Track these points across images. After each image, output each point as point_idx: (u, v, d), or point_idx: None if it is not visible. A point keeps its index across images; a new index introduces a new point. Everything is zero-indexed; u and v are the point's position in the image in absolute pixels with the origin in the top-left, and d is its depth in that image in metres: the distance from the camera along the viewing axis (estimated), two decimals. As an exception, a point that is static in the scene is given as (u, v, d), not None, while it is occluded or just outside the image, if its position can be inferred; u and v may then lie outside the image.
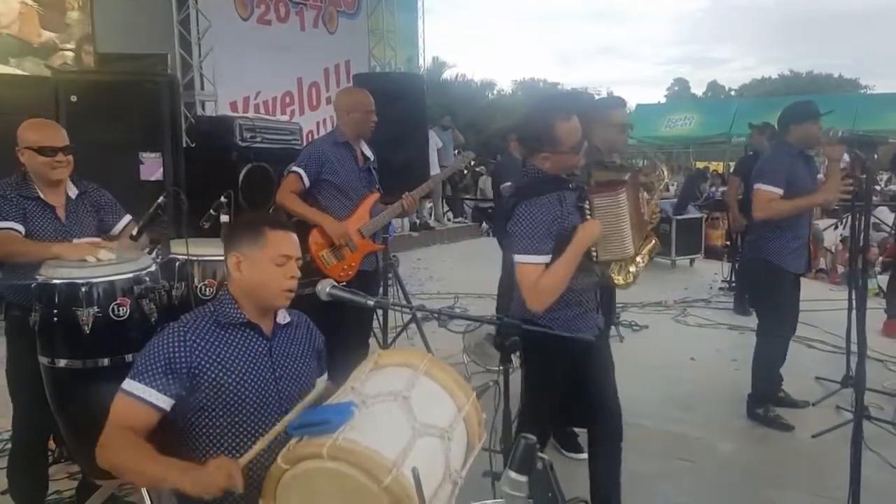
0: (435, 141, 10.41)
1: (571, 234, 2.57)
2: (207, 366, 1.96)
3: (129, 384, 1.93)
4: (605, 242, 2.68)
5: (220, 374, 1.97)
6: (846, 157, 4.36)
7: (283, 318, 2.18)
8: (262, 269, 2.05)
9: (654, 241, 3.11)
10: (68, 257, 2.73)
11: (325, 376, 2.33)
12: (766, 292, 4.42)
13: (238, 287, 2.09)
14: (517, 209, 2.61)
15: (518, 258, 2.58)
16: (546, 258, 2.54)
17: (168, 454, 1.91)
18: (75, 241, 2.91)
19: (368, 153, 4.07)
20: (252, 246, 2.06)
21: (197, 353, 1.96)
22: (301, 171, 3.84)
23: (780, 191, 4.11)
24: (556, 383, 2.79)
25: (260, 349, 2.07)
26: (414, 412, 1.69)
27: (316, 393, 1.93)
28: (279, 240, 2.08)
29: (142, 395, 1.90)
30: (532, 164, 2.71)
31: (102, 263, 2.72)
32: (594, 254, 2.67)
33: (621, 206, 2.70)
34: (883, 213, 9.59)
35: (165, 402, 1.93)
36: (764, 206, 4.14)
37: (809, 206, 4.24)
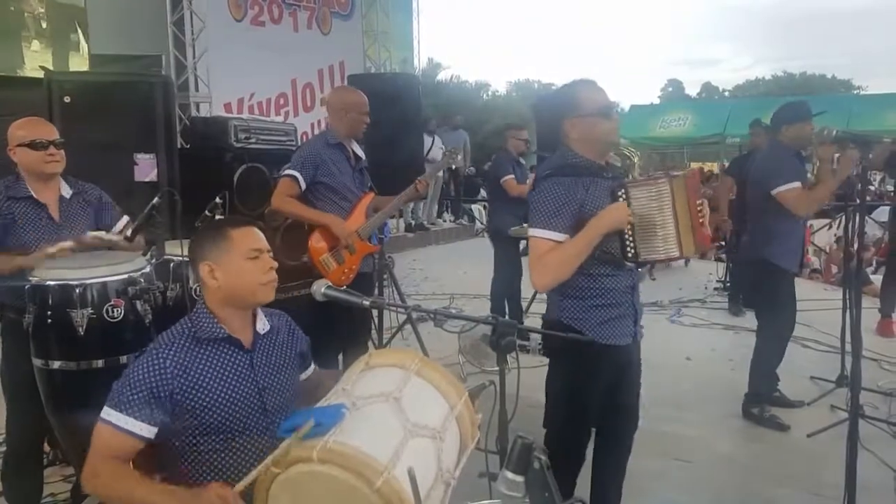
0: (438, 144, 10.51)
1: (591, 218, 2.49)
2: (189, 389, 1.91)
3: (109, 414, 1.85)
4: (645, 240, 2.54)
5: (203, 396, 1.92)
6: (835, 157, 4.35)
7: (263, 326, 2.11)
8: (237, 269, 1.99)
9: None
10: (33, 266, 2.70)
11: (312, 367, 2.30)
12: (766, 292, 4.43)
13: (216, 297, 2.02)
14: (540, 184, 2.58)
15: (530, 231, 2.55)
16: (558, 235, 2.48)
17: (158, 475, 1.90)
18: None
19: (360, 153, 4.01)
20: (219, 249, 2.00)
21: (178, 377, 1.90)
22: (297, 174, 3.74)
23: (799, 184, 4.11)
24: (592, 397, 2.66)
25: (241, 363, 2.02)
26: (405, 413, 1.67)
27: (305, 430, 1.89)
28: (244, 236, 2.03)
29: (124, 426, 1.84)
30: (567, 147, 2.63)
31: (96, 265, 2.71)
32: (630, 251, 2.54)
33: (663, 199, 2.52)
34: (876, 213, 9.63)
35: (149, 432, 1.87)
36: (800, 202, 4.09)
37: (832, 191, 4.19)
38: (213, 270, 1.99)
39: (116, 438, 1.85)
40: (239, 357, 2.02)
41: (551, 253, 2.48)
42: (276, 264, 2.07)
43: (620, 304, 2.64)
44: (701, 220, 2.58)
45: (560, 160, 2.64)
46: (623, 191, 2.53)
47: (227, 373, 1.98)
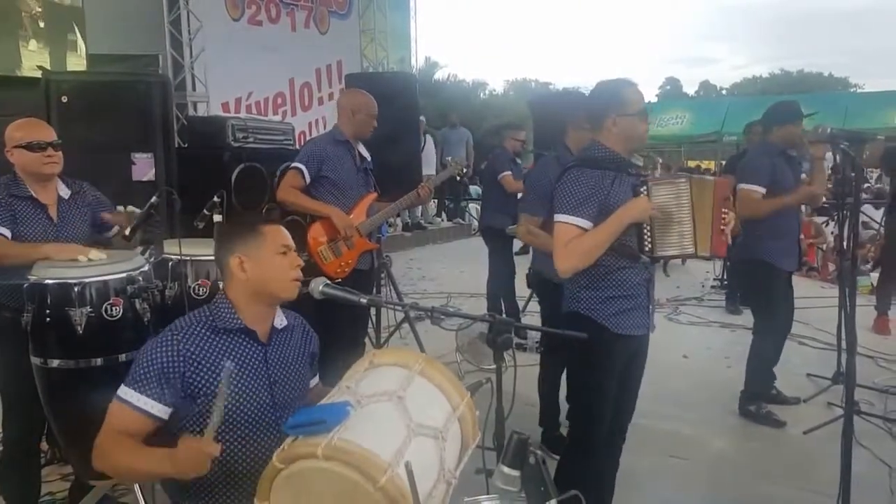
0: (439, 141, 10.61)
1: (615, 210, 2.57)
2: (201, 374, 1.95)
3: (124, 391, 1.91)
4: (662, 235, 2.63)
5: (215, 383, 1.95)
6: (829, 155, 4.37)
7: (281, 321, 2.16)
8: (268, 264, 2.05)
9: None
10: (58, 257, 2.72)
11: (317, 379, 2.34)
12: (761, 291, 4.45)
13: (242, 289, 2.06)
14: (567, 173, 2.64)
15: (557, 217, 2.61)
16: (584, 222, 2.55)
17: None
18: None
19: (365, 154, 4.10)
20: (251, 244, 2.06)
21: (190, 361, 1.94)
22: (302, 167, 3.85)
23: (762, 189, 4.16)
24: (608, 388, 2.72)
25: (255, 355, 2.06)
26: (409, 412, 1.68)
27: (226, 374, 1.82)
28: (276, 232, 2.11)
29: (136, 404, 1.89)
30: (598, 142, 2.71)
31: (94, 263, 2.71)
32: (648, 245, 2.63)
33: (682, 197, 2.63)
34: (869, 211, 9.66)
35: (161, 411, 1.91)
36: (746, 205, 4.16)
37: (789, 204, 4.23)
38: (243, 263, 2.05)
39: (127, 415, 1.90)
40: (254, 349, 2.07)
41: (577, 240, 2.55)
42: (302, 262, 2.13)
43: (636, 296, 2.71)
44: (722, 227, 2.66)
45: (588, 152, 2.74)
46: (645, 187, 2.62)
47: (240, 363, 2.02)
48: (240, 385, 1.99)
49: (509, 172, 5.87)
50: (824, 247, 9.81)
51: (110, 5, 8.51)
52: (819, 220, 10.00)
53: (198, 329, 2.01)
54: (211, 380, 1.96)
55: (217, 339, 2.01)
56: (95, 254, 2.77)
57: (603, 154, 2.68)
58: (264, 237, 2.08)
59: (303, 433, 1.63)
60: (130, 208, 3.07)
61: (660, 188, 2.64)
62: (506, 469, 1.55)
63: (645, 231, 2.62)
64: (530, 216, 3.71)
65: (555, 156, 3.83)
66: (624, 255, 2.63)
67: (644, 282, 2.73)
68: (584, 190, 2.56)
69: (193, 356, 1.95)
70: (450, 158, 5.22)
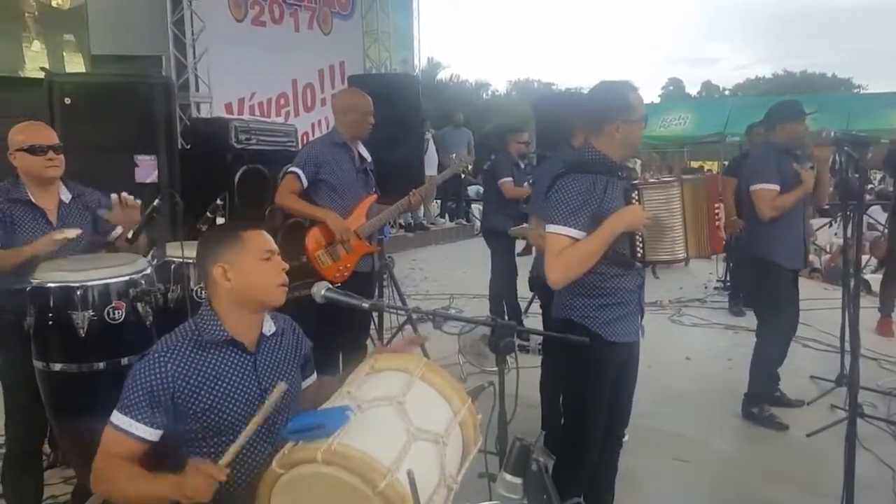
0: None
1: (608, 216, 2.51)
2: (191, 393, 1.92)
3: (116, 417, 1.90)
4: (654, 240, 2.59)
5: (205, 400, 1.94)
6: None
7: (269, 328, 2.13)
8: (251, 270, 2.01)
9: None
10: (42, 251, 2.73)
11: (314, 376, 2.31)
12: (763, 291, 4.44)
13: (228, 298, 2.02)
14: (559, 180, 2.58)
15: (548, 227, 2.56)
16: (576, 232, 2.49)
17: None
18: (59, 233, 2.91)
19: (366, 154, 4.07)
20: (233, 251, 2.01)
21: (179, 380, 1.91)
22: (299, 171, 3.83)
23: (777, 187, 4.15)
24: (601, 395, 2.71)
25: (244, 366, 2.03)
26: (409, 417, 1.68)
27: (278, 393, 1.89)
28: (257, 237, 2.06)
29: (128, 429, 1.88)
30: (591, 145, 2.65)
31: (96, 266, 2.72)
32: (640, 251, 2.59)
33: (673, 202, 2.59)
34: (876, 213, 9.64)
35: (153, 434, 1.90)
36: (769, 204, 4.15)
37: (803, 193, 4.20)
38: (227, 272, 2.00)
39: (120, 440, 1.88)
40: (242, 359, 2.04)
41: (568, 250, 2.49)
42: (287, 266, 2.09)
43: (629, 303, 2.70)
44: (717, 224, 2.65)
45: (579, 157, 2.69)
46: (636, 192, 2.58)
47: (229, 375, 1.99)
48: (231, 395, 1.98)
49: (510, 179, 5.86)
50: (828, 247, 9.80)
51: (113, 6, 8.51)
52: (822, 221, 9.98)
53: (183, 346, 1.97)
54: (200, 397, 1.94)
55: (204, 353, 1.98)
56: (71, 231, 2.80)
57: (594, 158, 2.62)
58: (244, 244, 2.03)
59: (302, 438, 1.63)
60: (125, 195, 3.03)
61: (652, 193, 2.60)
62: (508, 476, 1.55)
63: (637, 238, 2.58)
64: (540, 217, 3.69)
65: (562, 157, 3.82)
66: (617, 262, 2.59)
67: (636, 288, 2.72)
68: (576, 199, 2.51)
69: (181, 375, 1.92)
70: (453, 156, 5.19)
